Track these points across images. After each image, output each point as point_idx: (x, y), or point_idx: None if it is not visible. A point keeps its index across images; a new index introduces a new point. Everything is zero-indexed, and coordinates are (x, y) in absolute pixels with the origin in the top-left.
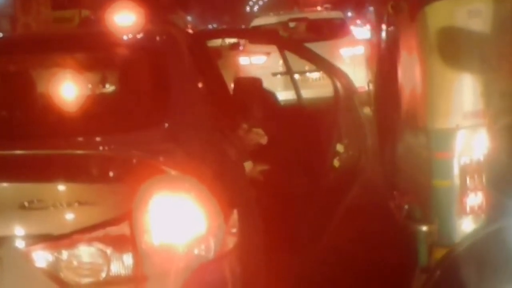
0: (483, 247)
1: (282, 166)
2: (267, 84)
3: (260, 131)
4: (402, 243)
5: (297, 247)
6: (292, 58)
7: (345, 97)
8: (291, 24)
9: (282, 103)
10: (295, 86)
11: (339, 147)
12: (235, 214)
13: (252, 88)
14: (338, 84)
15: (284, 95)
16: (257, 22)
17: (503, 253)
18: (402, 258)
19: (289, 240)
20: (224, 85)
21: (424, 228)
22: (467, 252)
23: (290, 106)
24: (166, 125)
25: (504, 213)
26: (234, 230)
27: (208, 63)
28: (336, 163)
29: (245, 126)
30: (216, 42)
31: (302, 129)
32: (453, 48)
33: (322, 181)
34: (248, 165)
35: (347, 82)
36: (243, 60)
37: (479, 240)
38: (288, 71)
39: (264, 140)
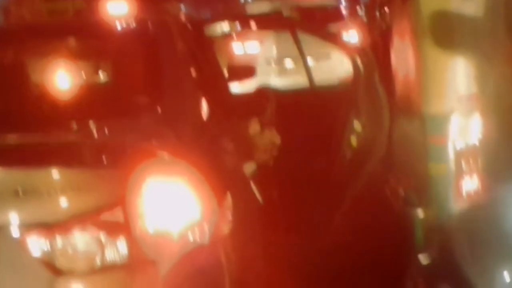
0: (473, 222)
1: (293, 148)
2: (261, 71)
3: (273, 131)
4: (399, 228)
5: (307, 228)
6: (281, 45)
7: (365, 75)
8: (285, 12)
9: (283, 90)
10: (307, 69)
11: (357, 125)
12: (229, 200)
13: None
14: (359, 62)
15: (278, 81)
16: (249, 10)
17: (493, 227)
18: (399, 243)
19: (299, 221)
20: (221, 74)
21: (421, 212)
22: (459, 227)
23: (302, 91)
24: (159, 110)
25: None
26: (228, 215)
27: (205, 52)
28: (353, 141)
29: (257, 126)
30: (210, 31)
31: (316, 111)
32: (447, 31)
33: (339, 159)
34: (251, 166)
35: (368, 60)
36: (236, 48)
37: (469, 215)
38: (301, 55)
39: (277, 139)
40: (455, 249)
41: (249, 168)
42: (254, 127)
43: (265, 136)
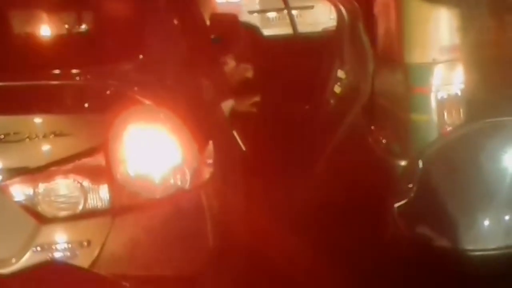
0: (450, 151)
1: (277, 96)
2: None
3: (247, 66)
4: (380, 174)
5: (289, 174)
6: None
7: (349, 23)
8: None
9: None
10: (291, 19)
11: (341, 73)
12: (210, 146)
13: (228, 23)
14: (343, 10)
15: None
16: None
17: (473, 167)
18: (380, 188)
19: (282, 168)
20: (204, 24)
21: (403, 163)
22: (438, 169)
23: (285, 39)
24: (141, 57)
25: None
26: (209, 161)
27: (187, 2)
28: (337, 89)
29: (232, 62)
30: None
31: (300, 59)
32: None
33: (323, 107)
34: (230, 103)
35: (352, 7)
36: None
37: (449, 156)
38: (286, 6)
39: (250, 73)
40: (435, 191)
41: (229, 110)
42: (229, 62)
43: (239, 70)
